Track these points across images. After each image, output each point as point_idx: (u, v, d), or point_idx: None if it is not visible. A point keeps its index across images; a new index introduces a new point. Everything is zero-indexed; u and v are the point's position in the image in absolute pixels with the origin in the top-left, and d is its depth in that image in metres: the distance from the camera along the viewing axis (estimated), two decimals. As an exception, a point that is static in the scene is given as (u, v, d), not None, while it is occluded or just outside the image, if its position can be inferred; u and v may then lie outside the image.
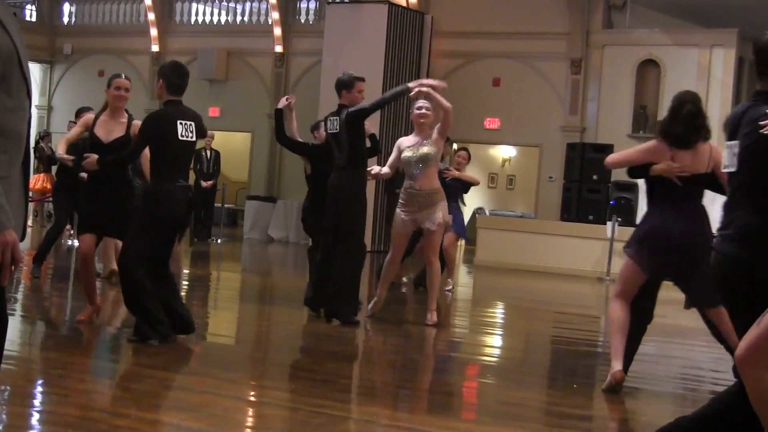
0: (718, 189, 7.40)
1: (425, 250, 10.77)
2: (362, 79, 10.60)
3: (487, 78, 23.91)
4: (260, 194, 25.03)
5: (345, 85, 10.51)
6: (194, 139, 8.64)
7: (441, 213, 10.48)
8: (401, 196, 10.63)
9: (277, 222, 23.60)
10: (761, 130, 4.87)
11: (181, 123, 8.50)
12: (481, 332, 11.72)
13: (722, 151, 5.05)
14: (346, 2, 23.17)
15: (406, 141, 10.76)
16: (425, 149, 10.53)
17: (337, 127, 10.31)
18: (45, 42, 29.99)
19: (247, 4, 27.60)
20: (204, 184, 20.97)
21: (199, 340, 8.97)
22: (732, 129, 4.98)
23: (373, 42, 22.45)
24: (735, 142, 4.93)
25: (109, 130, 9.17)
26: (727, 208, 4.86)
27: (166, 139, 8.44)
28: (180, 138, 8.47)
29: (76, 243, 17.59)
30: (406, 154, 10.53)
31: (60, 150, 10.14)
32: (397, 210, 10.61)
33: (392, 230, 10.78)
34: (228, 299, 11.79)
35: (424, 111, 10.65)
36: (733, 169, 4.87)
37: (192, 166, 10.32)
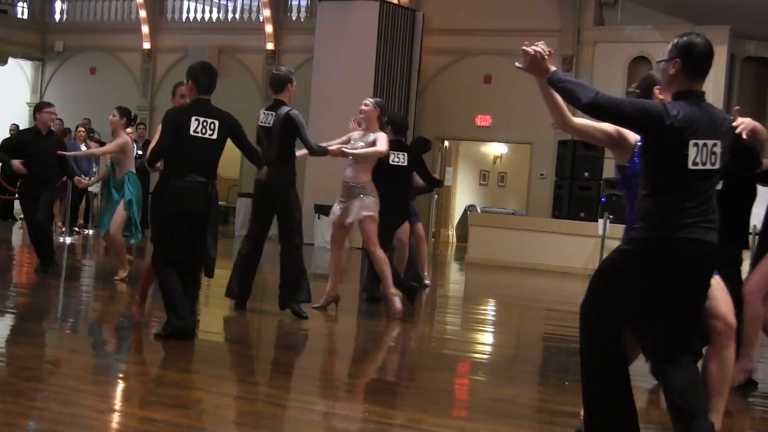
0: None
1: (363, 241, 11.08)
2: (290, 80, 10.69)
3: (478, 75, 23.92)
4: (251, 191, 24.94)
5: (284, 81, 10.52)
6: (214, 136, 8.63)
7: (363, 203, 10.76)
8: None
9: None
10: (738, 131, 5.14)
11: (197, 119, 8.55)
12: (472, 329, 11.73)
13: None
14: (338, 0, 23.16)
15: (355, 133, 11.03)
16: (359, 144, 10.81)
17: (271, 122, 10.35)
18: (36, 39, 29.95)
19: (239, 2, 27.59)
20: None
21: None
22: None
23: (364, 39, 22.45)
24: (714, 142, 5.26)
25: None
26: None
27: (178, 135, 8.51)
28: (192, 134, 8.51)
29: (68, 240, 17.66)
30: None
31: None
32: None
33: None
34: (219, 296, 11.74)
35: (363, 107, 11.01)
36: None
37: None
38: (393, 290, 10.88)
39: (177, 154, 8.59)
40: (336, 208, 10.96)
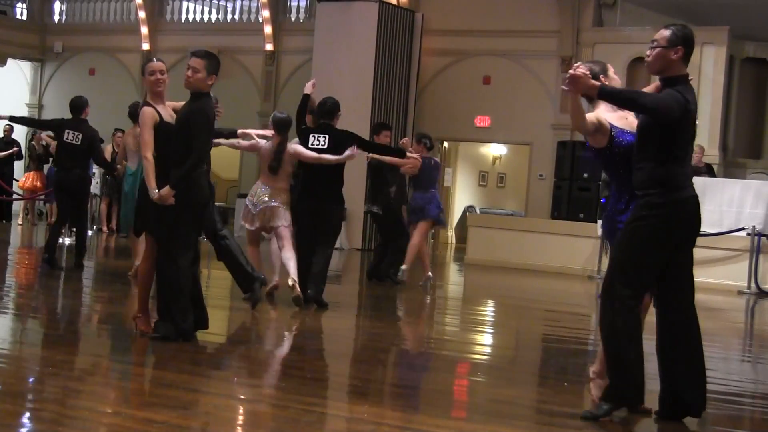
0: None
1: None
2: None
3: (477, 76, 23.93)
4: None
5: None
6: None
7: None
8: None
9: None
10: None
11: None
12: (471, 330, 11.73)
13: None
14: (337, 0, 23.16)
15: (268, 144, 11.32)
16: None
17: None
18: (35, 40, 29.96)
19: (238, 3, 27.61)
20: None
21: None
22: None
23: (363, 40, 22.47)
24: None
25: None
26: None
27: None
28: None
29: (68, 240, 17.64)
30: None
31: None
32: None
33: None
34: (218, 297, 11.77)
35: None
36: None
37: None
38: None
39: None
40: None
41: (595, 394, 6.78)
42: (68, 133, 13.51)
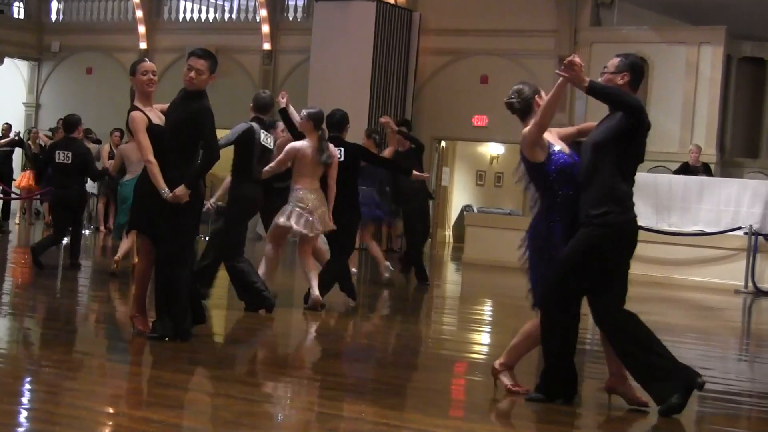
0: None
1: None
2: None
3: (475, 75, 23.91)
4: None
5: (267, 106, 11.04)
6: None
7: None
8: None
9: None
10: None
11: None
12: (469, 329, 11.74)
13: None
14: (335, 0, 23.16)
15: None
16: None
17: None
18: (33, 39, 29.93)
19: (235, 2, 27.60)
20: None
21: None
22: None
23: (361, 39, 22.47)
24: None
25: None
26: None
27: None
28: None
29: (65, 240, 17.66)
30: None
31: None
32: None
33: None
34: (216, 296, 11.75)
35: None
36: None
37: None
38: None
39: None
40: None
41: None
42: (59, 153, 13.70)
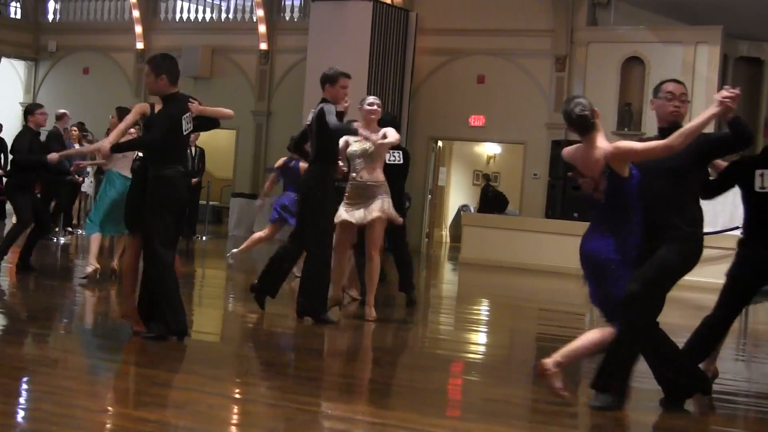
0: None
1: (366, 244, 10.65)
2: (348, 76, 10.54)
3: (471, 75, 23.90)
4: (245, 191, 24.97)
5: (329, 79, 10.50)
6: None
7: (380, 205, 10.40)
8: (347, 189, 10.61)
9: (261, 219, 23.55)
10: None
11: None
12: (465, 329, 11.73)
13: None
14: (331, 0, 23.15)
15: (351, 138, 10.57)
16: (368, 144, 10.39)
17: (311, 120, 10.33)
18: (29, 39, 29.91)
19: (232, 2, 27.57)
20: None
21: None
22: None
23: (357, 39, 22.46)
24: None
25: None
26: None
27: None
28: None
29: (62, 240, 17.65)
30: (353, 147, 10.48)
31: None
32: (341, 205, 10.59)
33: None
34: (213, 296, 11.79)
35: (375, 107, 10.66)
36: None
37: None
38: (372, 300, 10.70)
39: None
40: (343, 210, 10.49)
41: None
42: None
